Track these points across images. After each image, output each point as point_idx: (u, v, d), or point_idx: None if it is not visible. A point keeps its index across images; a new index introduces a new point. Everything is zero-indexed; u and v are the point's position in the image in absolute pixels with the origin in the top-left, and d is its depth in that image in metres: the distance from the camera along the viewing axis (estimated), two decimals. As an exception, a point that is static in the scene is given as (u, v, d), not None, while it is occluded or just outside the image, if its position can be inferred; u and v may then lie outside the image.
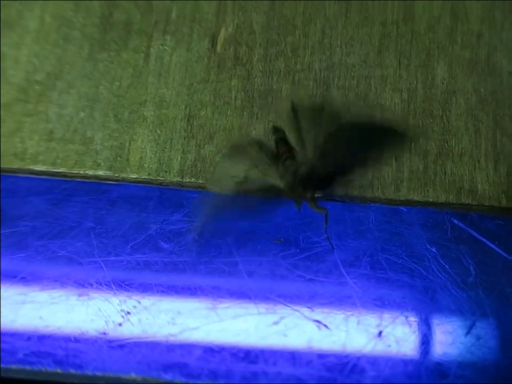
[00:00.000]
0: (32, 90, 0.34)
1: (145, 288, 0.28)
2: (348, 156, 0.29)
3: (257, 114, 0.34)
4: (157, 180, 0.32)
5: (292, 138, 0.30)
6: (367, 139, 0.28)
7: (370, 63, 0.35)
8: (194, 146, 0.33)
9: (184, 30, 0.35)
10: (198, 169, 0.33)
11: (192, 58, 0.35)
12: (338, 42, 0.36)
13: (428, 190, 0.33)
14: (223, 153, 0.32)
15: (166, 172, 0.33)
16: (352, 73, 0.35)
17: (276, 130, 0.31)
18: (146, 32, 0.35)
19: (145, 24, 0.35)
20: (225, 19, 0.36)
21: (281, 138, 0.31)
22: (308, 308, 0.27)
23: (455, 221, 0.30)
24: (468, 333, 0.27)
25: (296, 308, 0.27)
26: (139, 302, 0.27)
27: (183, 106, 0.34)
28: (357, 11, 0.37)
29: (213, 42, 0.35)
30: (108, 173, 0.32)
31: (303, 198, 0.28)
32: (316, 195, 0.28)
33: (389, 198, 0.33)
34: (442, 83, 0.35)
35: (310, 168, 0.28)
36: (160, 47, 0.35)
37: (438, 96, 0.35)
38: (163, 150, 0.33)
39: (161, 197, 0.31)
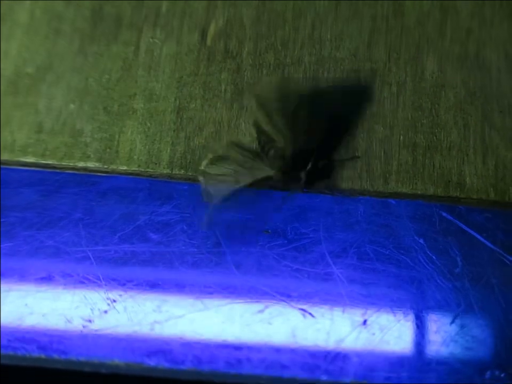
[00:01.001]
0: (22, 83, 0.34)
1: (131, 278, 0.28)
2: (322, 125, 0.29)
3: (246, 107, 0.34)
4: (147, 171, 0.32)
5: (269, 128, 0.30)
6: (333, 104, 0.29)
7: (360, 57, 0.36)
8: (183, 139, 0.33)
9: (174, 24, 0.36)
10: (188, 161, 0.33)
11: (182, 51, 0.35)
12: (328, 36, 0.36)
13: (416, 183, 0.33)
14: (206, 165, 0.32)
15: (156, 164, 0.33)
16: (342, 67, 0.35)
17: (255, 124, 0.32)
18: (136, 25, 0.35)
19: (135, 17, 0.36)
20: (215, 13, 0.36)
21: (260, 131, 0.31)
22: (294, 297, 0.27)
23: (444, 214, 0.30)
24: (452, 322, 0.27)
25: (281, 297, 0.27)
26: (125, 291, 0.28)
27: (173, 99, 0.34)
28: (347, 5, 0.37)
29: (203, 35, 0.35)
30: (98, 165, 0.32)
31: (298, 178, 0.28)
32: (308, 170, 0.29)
33: (378, 190, 0.33)
34: (432, 77, 0.35)
35: (294, 148, 0.28)
36: (150, 40, 0.35)
37: (427, 89, 0.35)
38: (153, 142, 0.33)
39: (151, 189, 0.31)
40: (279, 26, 0.36)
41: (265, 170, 0.30)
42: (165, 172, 0.32)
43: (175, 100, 0.34)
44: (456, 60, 0.36)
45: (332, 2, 0.37)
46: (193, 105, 0.34)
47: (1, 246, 0.29)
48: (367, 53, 0.36)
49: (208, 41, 0.35)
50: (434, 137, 0.34)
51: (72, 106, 0.33)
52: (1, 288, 0.28)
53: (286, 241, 0.29)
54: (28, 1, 0.35)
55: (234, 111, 0.34)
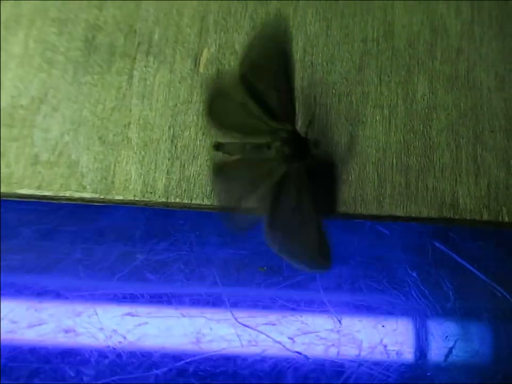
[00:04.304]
0: (17, 115, 0.34)
1: (130, 322, 0.28)
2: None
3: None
4: (143, 201, 0.33)
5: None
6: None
7: (352, 80, 0.36)
8: (178, 167, 0.33)
9: (167, 52, 0.36)
10: (183, 190, 0.33)
11: (175, 79, 0.35)
12: (320, 61, 0.36)
13: (410, 206, 0.33)
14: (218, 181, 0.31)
15: (151, 193, 0.33)
16: (334, 91, 0.36)
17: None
18: (129, 54, 0.36)
19: (128, 46, 0.36)
20: (207, 39, 0.36)
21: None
22: (290, 339, 0.27)
23: (436, 243, 0.30)
24: (446, 358, 0.27)
25: (277, 340, 0.27)
26: (124, 337, 0.28)
27: (167, 128, 0.34)
28: (337, 29, 0.37)
29: (196, 63, 0.36)
30: (94, 195, 0.33)
31: (308, 156, 0.29)
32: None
33: (372, 214, 0.33)
34: (423, 99, 0.36)
35: (293, 130, 0.29)
36: (144, 68, 0.35)
37: (419, 112, 0.35)
38: (148, 172, 0.33)
39: (147, 225, 0.31)
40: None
41: (276, 165, 0.29)
42: (160, 200, 0.33)
43: (169, 128, 0.34)
44: (447, 80, 0.36)
45: (322, 26, 0.37)
46: (187, 133, 0.34)
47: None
48: (359, 76, 0.36)
49: (201, 68, 0.36)
50: (427, 159, 0.34)
51: (67, 137, 0.34)
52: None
53: (281, 279, 0.29)
54: (21, 32, 0.36)
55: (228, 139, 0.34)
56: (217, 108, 0.31)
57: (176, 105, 0.35)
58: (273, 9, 0.37)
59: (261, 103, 0.30)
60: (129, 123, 0.34)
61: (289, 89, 0.29)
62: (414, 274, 0.29)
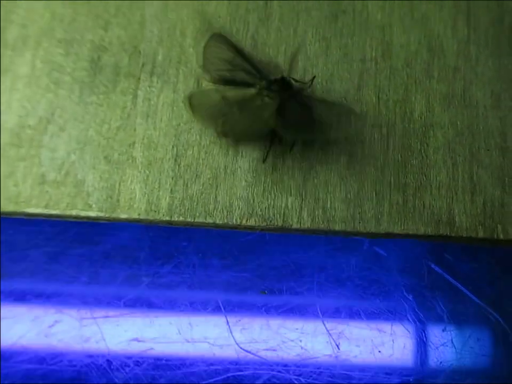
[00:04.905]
0: (24, 135, 0.35)
1: (136, 347, 0.29)
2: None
3: (242, 152, 0.35)
4: (147, 219, 0.34)
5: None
6: None
7: (350, 99, 0.37)
8: (182, 186, 0.34)
9: (171, 72, 0.37)
10: (186, 208, 0.34)
11: (179, 98, 0.36)
12: (319, 80, 0.37)
13: (407, 223, 0.34)
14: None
15: (155, 211, 0.34)
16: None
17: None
18: (134, 74, 0.37)
19: (133, 66, 0.37)
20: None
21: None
22: (290, 367, 0.28)
23: (432, 265, 0.31)
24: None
25: (277, 367, 0.28)
26: (129, 366, 0.29)
27: (171, 147, 0.35)
28: (336, 48, 0.38)
29: (199, 82, 0.37)
30: (99, 214, 0.34)
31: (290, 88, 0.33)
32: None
33: (370, 231, 0.34)
34: (420, 117, 0.37)
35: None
36: (148, 88, 0.36)
37: (416, 130, 0.36)
38: (152, 190, 0.34)
39: (152, 247, 0.32)
40: (271, 71, 0.37)
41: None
42: (164, 219, 0.34)
43: (173, 147, 0.35)
44: (443, 99, 0.37)
45: (322, 46, 0.38)
46: (190, 152, 0.35)
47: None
48: (357, 95, 0.37)
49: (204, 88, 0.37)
50: (424, 177, 0.35)
51: (73, 156, 0.35)
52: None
53: (282, 303, 0.30)
54: (28, 53, 0.37)
55: (230, 157, 0.35)
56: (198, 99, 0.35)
57: (179, 124, 0.36)
58: (274, 29, 0.38)
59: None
60: (134, 142, 0.35)
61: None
62: (410, 297, 0.30)
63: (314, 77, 0.37)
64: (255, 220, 0.33)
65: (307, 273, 0.31)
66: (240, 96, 0.34)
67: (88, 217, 0.34)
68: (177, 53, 0.37)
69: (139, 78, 0.37)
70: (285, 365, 0.29)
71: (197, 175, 0.35)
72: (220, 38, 0.35)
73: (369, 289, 0.30)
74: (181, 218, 0.34)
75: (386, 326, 0.30)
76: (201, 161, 0.35)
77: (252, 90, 0.34)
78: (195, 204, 0.34)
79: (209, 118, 0.35)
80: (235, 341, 0.30)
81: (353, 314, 0.30)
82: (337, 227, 0.34)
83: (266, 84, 0.34)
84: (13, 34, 0.37)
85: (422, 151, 0.36)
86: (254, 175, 0.35)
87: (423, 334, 0.29)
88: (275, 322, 0.30)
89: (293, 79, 0.35)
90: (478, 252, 0.33)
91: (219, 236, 0.32)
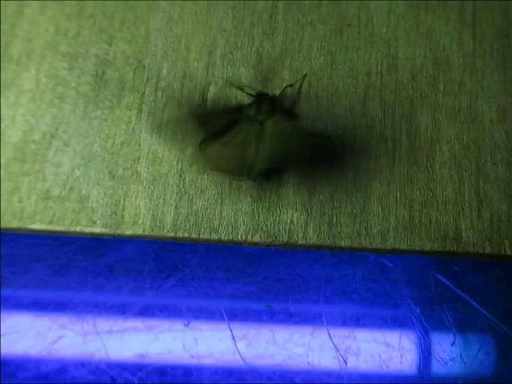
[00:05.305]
0: (28, 150, 0.35)
1: (141, 366, 0.29)
2: None
3: (247, 167, 0.35)
4: (151, 235, 0.33)
5: None
6: None
7: (356, 113, 0.37)
8: (186, 201, 0.34)
9: (175, 86, 0.37)
10: (191, 224, 0.34)
11: (183, 113, 0.36)
12: (325, 94, 0.37)
13: (413, 239, 0.34)
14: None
15: (160, 227, 0.34)
16: (338, 124, 0.36)
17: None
18: (138, 89, 0.37)
19: (137, 81, 0.37)
20: (215, 73, 0.37)
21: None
22: (297, 381, 0.28)
23: (439, 277, 0.31)
24: None
25: (285, 381, 0.28)
26: (132, 382, 0.28)
27: (175, 162, 0.35)
28: (342, 62, 0.38)
29: (203, 97, 0.37)
30: (104, 230, 0.33)
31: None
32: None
33: (376, 247, 0.34)
34: (426, 131, 0.36)
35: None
36: (152, 103, 0.36)
37: (422, 144, 0.36)
38: (156, 206, 0.34)
39: (156, 260, 0.32)
40: (277, 85, 0.37)
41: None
42: (169, 235, 0.33)
43: (178, 162, 0.35)
44: (449, 113, 0.37)
45: (327, 60, 0.38)
46: (195, 167, 0.35)
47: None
48: (363, 109, 0.37)
49: (208, 103, 0.36)
50: (430, 192, 0.35)
51: (78, 172, 0.35)
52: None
53: (288, 316, 0.29)
54: (33, 68, 0.37)
55: (235, 172, 0.35)
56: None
57: (184, 139, 0.36)
58: (279, 43, 0.38)
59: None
60: (139, 157, 0.35)
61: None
62: (418, 310, 0.30)
63: (305, 75, 0.37)
64: (260, 235, 0.33)
65: (313, 285, 0.30)
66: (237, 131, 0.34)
67: (92, 234, 0.33)
68: (181, 67, 0.37)
69: (144, 93, 0.36)
70: (292, 380, 0.29)
71: (201, 191, 0.34)
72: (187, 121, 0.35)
73: (376, 302, 0.30)
74: (185, 234, 0.33)
75: (394, 340, 0.30)
76: (205, 176, 0.35)
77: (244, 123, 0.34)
78: (200, 219, 0.34)
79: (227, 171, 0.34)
80: (240, 356, 0.30)
81: (360, 328, 0.29)
82: (343, 243, 0.34)
83: (255, 105, 0.34)
84: (17, 48, 0.37)
85: (428, 165, 0.36)
86: (259, 190, 0.34)
87: (431, 348, 0.29)
88: (281, 337, 0.30)
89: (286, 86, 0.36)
90: (485, 264, 0.32)
91: (224, 249, 0.31)
